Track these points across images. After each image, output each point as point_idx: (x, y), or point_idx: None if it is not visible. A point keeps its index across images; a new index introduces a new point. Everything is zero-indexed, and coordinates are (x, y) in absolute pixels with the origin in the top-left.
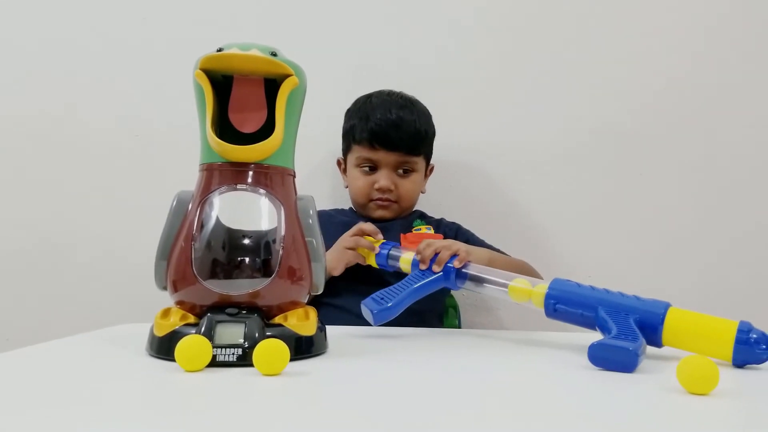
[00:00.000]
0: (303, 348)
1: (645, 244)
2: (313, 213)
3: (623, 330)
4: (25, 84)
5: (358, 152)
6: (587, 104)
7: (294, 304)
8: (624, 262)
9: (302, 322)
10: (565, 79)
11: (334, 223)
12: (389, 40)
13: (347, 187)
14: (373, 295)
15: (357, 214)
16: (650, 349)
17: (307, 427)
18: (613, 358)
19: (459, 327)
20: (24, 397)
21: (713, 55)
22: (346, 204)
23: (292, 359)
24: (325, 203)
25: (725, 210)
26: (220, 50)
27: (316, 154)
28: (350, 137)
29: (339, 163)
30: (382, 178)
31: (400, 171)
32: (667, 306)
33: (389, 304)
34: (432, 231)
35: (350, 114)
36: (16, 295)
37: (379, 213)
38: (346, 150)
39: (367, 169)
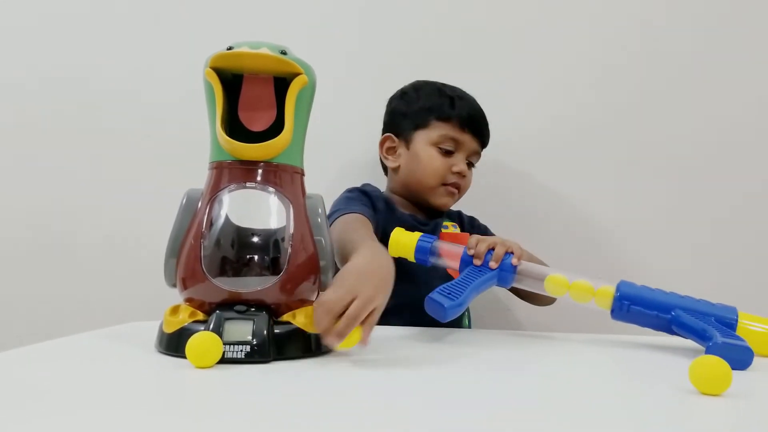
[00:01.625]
0: (311, 346)
1: (663, 240)
2: (322, 211)
3: (724, 331)
4: (36, 81)
5: (442, 130)
6: (596, 100)
7: (302, 302)
8: (641, 258)
9: (310, 320)
10: (576, 74)
11: (397, 215)
12: (400, 39)
13: (395, 167)
14: (439, 290)
15: (406, 199)
16: (664, 351)
17: (315, 425)
18: (734, 357)
19: (469, 327)
20: (33, 394)
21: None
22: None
23: (300, 357)
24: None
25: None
26: (230, 48)
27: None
28: (432, 113)
29: (384, 141)
30: (461, 162)
31: (470, 161)
32: (736, 311)
33: (459, 300)
34: (459, 230)
35: (426, 91)
36: (24, 292)
37: (446, 200)
38: (415, 127)
39: (445, 150)
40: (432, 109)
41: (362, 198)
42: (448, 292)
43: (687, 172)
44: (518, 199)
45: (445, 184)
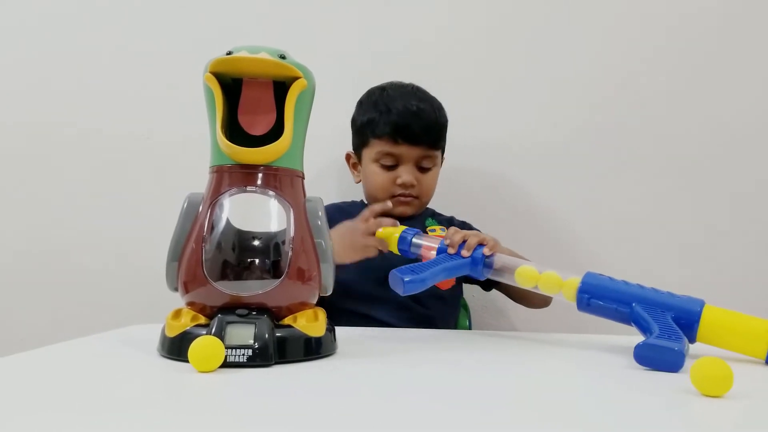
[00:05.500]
0: (312, 349)
1: (656, 240)
2: (322, 214)
3: (665, 329)
4: (35, 88)
5: (378, 147)
6: (593, 102)
7: (303, 305)
8: (635, 259)
9: (311, 323)
10: (572, 78)
11: (350, 218)
12: (391, 41)
13: (359, 182)
14: (403, 267)
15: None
16: None
17: (317, 428)
18: (660, 358)
19: (469, 328)
20: (37, 397)
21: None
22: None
23: (301, 360)
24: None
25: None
26: (229, 53)
27: (321, 156)
28: (368, 131)
29: (348, 157)
30: (405, 174)
31: (421, 165)
32: (702, 303)
33: (421, 276)
34: (446, 232)
35: (365, 106)
36: (29, 297)
37: (401, 209)
38: (360, 144)
39: (387, 164)
40: (367, 126)
41: (336, 216)
42: (411, 269)
43: (678, 172)
44: (511, 201)
45: (394, 196)
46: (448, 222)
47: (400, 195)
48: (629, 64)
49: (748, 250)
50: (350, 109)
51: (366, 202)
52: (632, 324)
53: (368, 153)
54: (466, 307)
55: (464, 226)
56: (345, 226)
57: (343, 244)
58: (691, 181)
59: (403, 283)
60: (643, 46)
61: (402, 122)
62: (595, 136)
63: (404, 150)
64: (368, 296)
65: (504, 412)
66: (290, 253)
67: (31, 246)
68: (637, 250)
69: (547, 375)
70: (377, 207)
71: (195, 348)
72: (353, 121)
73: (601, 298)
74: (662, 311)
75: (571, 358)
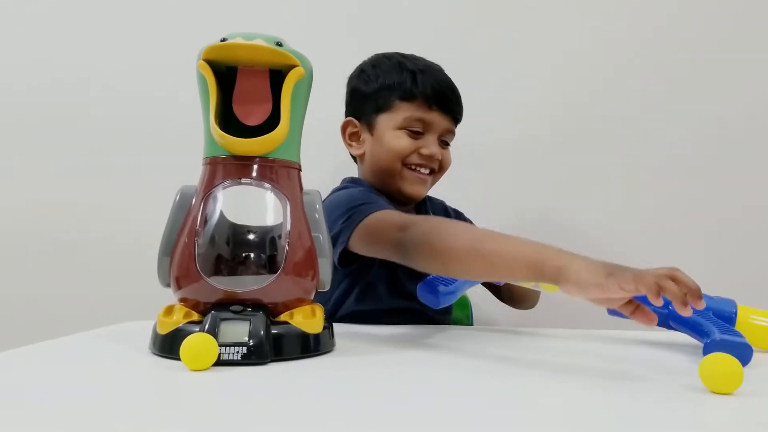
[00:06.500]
0: (309, 346)
1: (656, 236)
2: (320, 207)
3: (721, 327)
4: (32, 80)
5: (407, 111)
6: (589, 95)
7: (300, 301)
8: (635, 258)
9: (308, 319)
10: (564, 70)
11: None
12: (384, 38)
13: (360, 153)
14: (429, 279)
15: (380, 190)
16: (671, 347)
17: (314, 428)
18: (732, 354)
19: (471, 323)
20: (27, 395)
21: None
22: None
23: (298, 358)
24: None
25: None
26: (223, 40)
27: (319, 147)
28: (394, 94)
29: (346, 126)
30: (431, 144)
31: (442, 140)
32: (734, 303)
33: (451, 287)
34: None
35: (384, 68)
36: (19, 292)
37: (415, 189)
38: (376, 110)
39: (416, 130)
40: (393, 88)
41: (376, 192)
42: (443, 281)
43: (687, 171)
44: (514, 199)
45: (409, 166)
46: (442, 208)
47: (418, 166)
48: (629, 62)
49: (749, 250)
50: (340, 101)
51: (372, 177)
52: (670, 324)
53: (390, 118)
54: (467, 304)
55: (458, 214)
56: (606, 264)
57: (592, 273)
58: (695, 180)
59: (437, 295)
60: (645, 45)
61: (438, 87)
62: (595, 137)
63: (435, 118)
64: (384, 302)
65: (506, 410)
66: (286, 248)
67: (22, 241)
68: (638, 250)
69: (549, 371)
70: (684, 278)
71: (187, 346)
72: (356, 89)
73: (636, 300)
74: (702, 311)
75: (572, 354)
